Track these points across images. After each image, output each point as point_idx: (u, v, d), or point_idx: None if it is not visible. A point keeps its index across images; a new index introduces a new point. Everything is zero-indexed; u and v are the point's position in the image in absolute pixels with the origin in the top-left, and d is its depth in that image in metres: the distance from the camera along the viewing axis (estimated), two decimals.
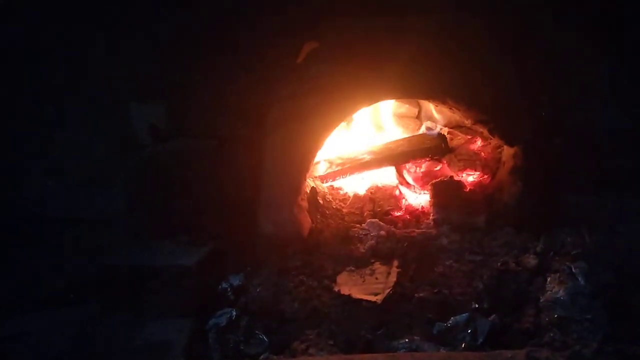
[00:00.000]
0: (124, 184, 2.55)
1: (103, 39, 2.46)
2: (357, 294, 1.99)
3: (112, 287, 2.16)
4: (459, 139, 2.93)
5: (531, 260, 2.07)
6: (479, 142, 2.85)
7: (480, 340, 1.78)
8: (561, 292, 1.82)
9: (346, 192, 2.71)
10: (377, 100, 2.40)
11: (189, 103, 2.47)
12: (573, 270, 1.91)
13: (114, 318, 2.04)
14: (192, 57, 2.40)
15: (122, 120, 2.56)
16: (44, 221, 2.65)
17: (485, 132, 2.80)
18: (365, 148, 2.82)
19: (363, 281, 2.09)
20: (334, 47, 2.31)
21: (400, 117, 3.16)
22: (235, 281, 2.15)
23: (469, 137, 2.91)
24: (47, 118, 2.61)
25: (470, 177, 2.65)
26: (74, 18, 2.44)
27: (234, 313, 1.97)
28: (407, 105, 3.24)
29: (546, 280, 1.95)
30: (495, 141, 2.78)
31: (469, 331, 1.81)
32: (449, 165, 2.72)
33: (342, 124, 2.71)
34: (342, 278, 2.12)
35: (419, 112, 3.21)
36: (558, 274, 1.92)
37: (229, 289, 2.12)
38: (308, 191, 2.49)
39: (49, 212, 2.68)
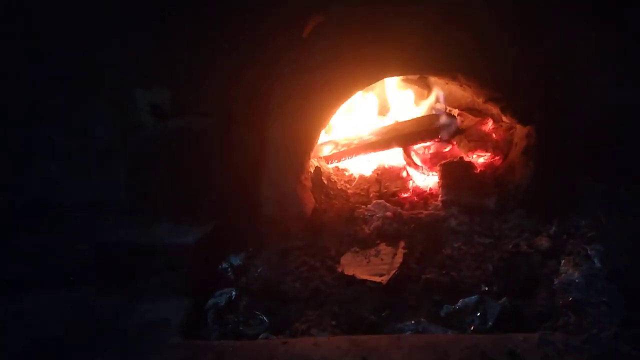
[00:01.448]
0: (125, 164, 2.49)
1: (105, 22, 2.39)
2: (362, 275, 1.94)
3: (111, 266, 2.11)
4: (469, 120, 2.84)
5: (544, 243, 2.00)
6: (490, 124, 2.76)
7: (490, 323, 1.71)
8: (576, 275, 1.74)
9: (352, 174, 2.65)
10: (385, 77, 2.32)
11: (190, 81, 2.40)
12: (589, 252, 1.82)
13: (112, 297, 2.00)
14: (194, 34, 2.33)
15: (126, 102, 2.49)
16: (47, 205, 2.62)
17: (497, 112, 2.73)
18: (372, 129, 2.75)
19: (368, 262, 2.03)
20: (339, 22, 2.22)
21: (409, 99, 3.07)
22: (236, 261, 2.11)
23: (480, 118, 2.82)
24: (51, 103, 2.55)
25: (480, 159, 2.57)
26: (79, 3, 2.38)
27: (234, 293, 1.94)
28: (415, 87, 3.16)
29: (560, 263, 1.87)
30: (507, 123, 2.70)
31: (478, 314, 1.74)
32: (458, 146, 2.64)
33: (349, 102, 2.64)
34: (346, 259, 2.06)
35: (428, 93, 3.12)
36: (573, 257, 1.84)
37: (229, 269, 2.08)
38: (312, 171, 2.42)
39: (52, 196, 2.65)
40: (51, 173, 2.64)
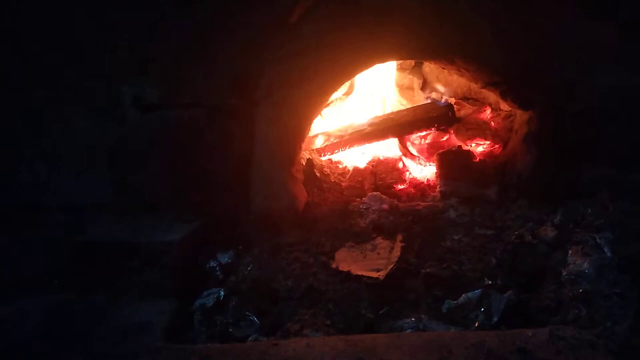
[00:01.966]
0: (109, 159, 2.38)
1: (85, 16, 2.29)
2: (357, 271, 1.83)
3: (92, 267, 1.99)
4: (467, 109, 2.74)
5: (549, 233, 1.89)
6: (488, 112, 2.66)
7: (495, 319, 1.60)
8: (586, 265, 1.63)
9: (345, 166, 2.55)
10: (379, 62, 2.21)
11: (175, 72, 2.28)
12: (598, 241, 1.72)
13: (92, 299, 1.89)
14: (177, 20, 2.21)
15: (111, 98, 2.39)
16: (31, 206, 2.52)
17: (495, 100, 2.65)
18: (366, 119, 2.64)
19: (364, 257, 1.92)
20: (329, 5, 2.11)
21: (404, 89, 2.98)
22: (224, 259, 2.00)
23: (477, 107, 2.72)
24: (36, 101, 2.45)
25: (479, 147, 2.46)
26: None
27: (222, 293, 1.83)
28: (410, 76, 3.07)
29: (567, 253, 1.76)
30: (505, 111, 2.61)
31: (482, 309, 1.63)
32: (456, 135, 2.54)
33: (341, 91, 2.55)
34: (340, 254, 1.95)
35: (424, 83, 3.03)
36: (581, 246, 1.74)
37: (217, 268, 1.98)
38: (304, 163, 2.31)
39: (36, 197, 2.54)
40: (36, 173, 2.54)
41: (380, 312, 1.69)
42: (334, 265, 1.88)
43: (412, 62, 3.04)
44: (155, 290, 1.87)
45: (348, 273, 1.83)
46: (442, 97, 2.89)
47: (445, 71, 2.89)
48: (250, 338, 1.60)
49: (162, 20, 2.22)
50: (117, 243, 1.98)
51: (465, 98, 2.89)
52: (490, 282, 1.75)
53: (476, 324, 1.59)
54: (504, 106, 2.62)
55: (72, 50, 2.33)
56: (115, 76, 2.36)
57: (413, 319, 1.62)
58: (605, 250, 1.68)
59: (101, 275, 1.95)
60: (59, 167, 2.52)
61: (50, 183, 2.54)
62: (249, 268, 1.93)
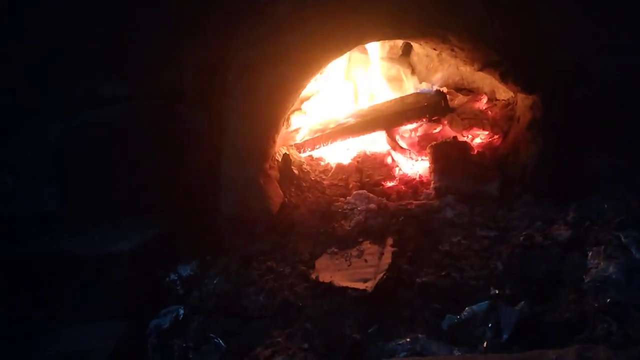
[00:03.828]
0: (55, 160, 2.10)
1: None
2: (341, 281, 1.63)
3: (28, 283, 1.75)
4: (461, 98, 2.52)
5: (563, 232, 1.67)
6: (483, 101, 2.44)
7: (505, 336, 1.39)
8: (612, 269, 1.41)
9: (328, 162, 2.34)
10: (363, 42, 2.01)
11: (130, 56, 2.02)
12: (623, 240, 1.50)
13: (27, 322, 1.67)
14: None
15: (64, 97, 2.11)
16: None
17: (491, 89, 2.42)
18: (350, 111, 2.42)
19: (349, 265, 1.72)
20: None
21: (391, 80, 2.74)
22: (186, 271, 1.80)
23: (472, 96, 2.50)
24: None
25: (477, 138, 2.25)
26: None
27: (182, 312, 1.65)
28: (397, 66, 2.84)
29: (586, 255, 1.54)
30: (502, 101, 2.39)
31: (490, 325, 1.41)
32: (451, 125, 2.32)
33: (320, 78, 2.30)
34: (321, 262, 1.76)
35: (412, 72, 2.80)
36: (603, 247, 1.52)
37: (177, 282, 1.77)
38: (279, 158, 2.07)
39: None
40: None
41: (369, 331, 1.49)
42: (313, 276, 1.69)
43: (399, 51, 2.82)
44: (102, 309, 1.65)
45: (330, 285, 1.63)
46: (432, 87, 2.66)
47: (436, 60, 2.70)
48: None
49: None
50: (58, 255, 1.75)
51: (458, 89, 2.68)
52: (497, 292, 1.54)
53: (484, 344, 1.36)
54: (501, 95, 2.41)
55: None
56: (68, 71, 2.09)
57: (408, 340, 1.41)
58: (634, 251, 1.46)
59: (39, 293, 1.71)
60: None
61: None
62: (214, 281, 1.74)
